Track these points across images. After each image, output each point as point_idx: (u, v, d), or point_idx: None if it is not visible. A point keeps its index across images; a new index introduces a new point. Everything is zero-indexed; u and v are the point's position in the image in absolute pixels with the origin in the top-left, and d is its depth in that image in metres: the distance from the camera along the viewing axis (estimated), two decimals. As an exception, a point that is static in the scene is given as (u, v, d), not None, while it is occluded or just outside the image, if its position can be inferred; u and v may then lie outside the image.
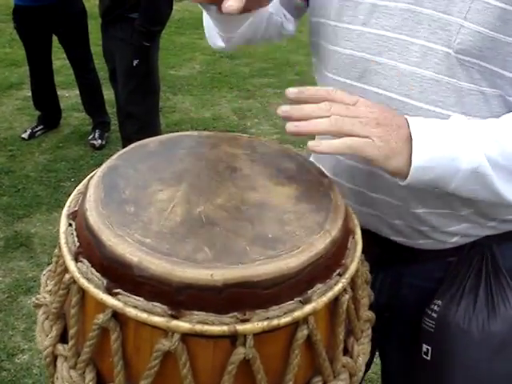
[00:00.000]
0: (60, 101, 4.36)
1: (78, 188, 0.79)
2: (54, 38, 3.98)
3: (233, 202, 0.72)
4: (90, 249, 0.66)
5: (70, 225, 0.72)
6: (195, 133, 0.86)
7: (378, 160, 0.75)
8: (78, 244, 0.68)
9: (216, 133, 0.87)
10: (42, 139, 4.17)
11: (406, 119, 0.78)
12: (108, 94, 4.16)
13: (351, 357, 0.76)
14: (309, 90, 0.78)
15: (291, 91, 0.77)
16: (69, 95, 4.77)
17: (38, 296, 0.80)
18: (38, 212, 3.28)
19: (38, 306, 0.79)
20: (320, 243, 0.67)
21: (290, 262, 0.64)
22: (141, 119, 3.43)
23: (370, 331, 0.81)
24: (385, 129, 0.75)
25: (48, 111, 4.26)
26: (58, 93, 4.33)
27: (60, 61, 4.67)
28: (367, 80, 0.90)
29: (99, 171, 0.76)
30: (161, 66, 3.65)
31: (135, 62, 3.24)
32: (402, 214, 0.97)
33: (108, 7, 3.26)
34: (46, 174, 3.68)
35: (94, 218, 0.67)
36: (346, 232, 0.73)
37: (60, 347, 0.72)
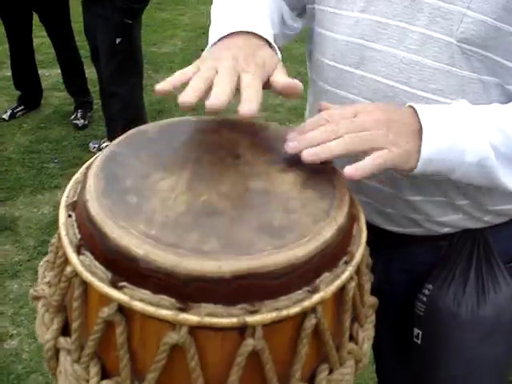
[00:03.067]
0: (40, 80, 4.29)
1: (75, 177, 0.77)
2: (34, 16, 3.90)
3: (237, 190, 0.70)
4: (93, 241, 0.64)
5: (70, 216, 0.70)
6: (194, 118, 0.84)
7: (399, 166, 0.75)
8: (79, 236, 0.67)
9: (215, 118, 0.85)
10: (23, 120, 4.11)
11: (413, 108, 0.77)
12: (89, 72, 4.10)
13: (356, 343, 0.76)
14: (307, 125, 0.76)
15: (292, 136, 0.75)
16: (49, 74, 4.69)
17: (36, 288, 0.78)
18: (21, 195, 3.24)
19: (36, 299, 0.77)
20: (327, 231, 0.66)
21: (298, 251, 0.63)
22: (124, 98, 3.40)
23: (373, 317, 0.80)
24: (395, 132, 0.75)
25: (29, 91, 4.20)
26: (39, 72, 4.25)
27: (39, 39, 4.56)
28: (366, 67, 0.89)
29: (98, 160, 0.74)
30: (142, 44, 3.61)
31: (118, 40, 3.19)
32: (395, 202, 0.96)
33: (89, -15, 3.20)
34: (29, 156, 3.64)
35: (95, 209, 0.65)
36: (351, 219, 0.72)
37: (62, 340, 0.71)
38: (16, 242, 2.87)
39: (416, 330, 1.02)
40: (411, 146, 0.75)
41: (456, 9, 0.82)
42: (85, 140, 3.83)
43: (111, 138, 3.62)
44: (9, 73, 4.31)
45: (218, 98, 0.69)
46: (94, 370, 0.67)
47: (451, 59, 0.84)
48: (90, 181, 0.70)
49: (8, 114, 4.11)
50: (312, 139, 0.73)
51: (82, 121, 4.02)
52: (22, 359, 2.24)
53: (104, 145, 3.66)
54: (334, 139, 0.73)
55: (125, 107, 3.43)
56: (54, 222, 2.95)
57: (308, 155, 0.72)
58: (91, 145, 3.73)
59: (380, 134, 0.74)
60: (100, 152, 0.77)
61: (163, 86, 0.73)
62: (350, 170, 0.72)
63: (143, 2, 3.26)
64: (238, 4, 0.92)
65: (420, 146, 0.75)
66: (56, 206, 3.11)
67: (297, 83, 0.75)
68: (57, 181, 3.38)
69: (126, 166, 0.72)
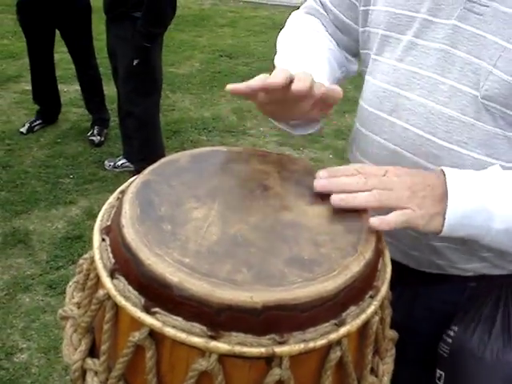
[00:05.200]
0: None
1: (108, 201, 0.79)
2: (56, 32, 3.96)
3: (267, 222, 0.72)
4: (127, 266, 0.66)
5: (104, 240, 0.72)
6: (225, 148, 0.86)
7: (422, 226, 0.77)
8: (113, 261, 0.68)
9: (245, 148, 0.88)
10: (41, 134, 4.15)
11: (442, 172, 0.80)
12: (108, 89, 4.15)
13: (376, 376, 0.77)
14: (339, 171, 0.80)
15: (323, 175, 0.79)
16: (67, 90, 4.75)
17: (64, 308, 0.79)
18: (36, 208, 3.26)
19: (64, 319, 0.79)
20: (355, 266, 0.68)
21: (327, 285, 0.64)
22: (140, 117, 3.43)
23: (393, 350, 0.81)
24: (420, 195, 0.77)
25: (47, 106, 4.24)
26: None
27: (58, 54, 4.61)
28: (397, 114, 0.92)
29: (132, 186, 0.76)
30: (160, 64, 3.65)
31: (135, 62, 3.22)
32: (419, 246, 0.97)
33: (111, 4, 3.24)
34: (45, 170, 3.67)
35: (131, 235, 0.67)
36: (377, 253, 0.74)
37: (90, 361, 0.72)
38: (29, 255, 2.88)
39: (439, 372, 1.00)
40: (436, 209, 0.78)
41: (484, 65, 0.83)
42: (101, 157, 3.86)
43: (127, 156, 3.65)
44: (27, 87, 4.36)
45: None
46: (122, 392, 0.68)
47: (477, 114, 0.85)
48: (125, 207, 0.71)
49: (26, 127, 4.14)
50: (343, 185, 0.77)
51: (98, 137, 4.05)
52: (32, 373, 2.24)
53: (119, 163, 3.68)
54: (363, 191, 0.76)
55: (140, 126, 3.45)
56: (68, 238, 2.98)
57: (338, 200, 0.76)
58: (107, 162, 3.74)
59: (405, 194, 0.77)
60: (134, 177, 0.79)
61: (238, 87, 0.80)
62: (375, 221, 0.74)
63: (162, 27, 3.30)
64: (301, 54, 1.00)
65: (445, 209, 0.77)
66: (70, 222, 3.14)
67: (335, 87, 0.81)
68: (71, 196, 3.40)
69: (160, 194, 0.74)
